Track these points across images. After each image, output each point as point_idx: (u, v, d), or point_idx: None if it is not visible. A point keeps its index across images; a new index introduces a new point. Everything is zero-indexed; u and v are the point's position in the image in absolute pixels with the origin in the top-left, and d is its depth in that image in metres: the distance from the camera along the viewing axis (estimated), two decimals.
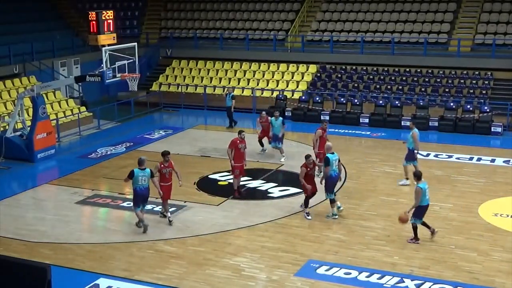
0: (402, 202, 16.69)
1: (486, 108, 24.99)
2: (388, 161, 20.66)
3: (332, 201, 15.70)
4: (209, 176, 19.12)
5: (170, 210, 16.17)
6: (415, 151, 18.01)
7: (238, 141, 17.13)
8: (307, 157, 15.56)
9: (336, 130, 24.81)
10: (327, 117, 26.10)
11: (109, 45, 22.80)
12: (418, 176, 14.16)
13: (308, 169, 15.40)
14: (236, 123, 25.43)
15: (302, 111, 26.88)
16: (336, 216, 15.71)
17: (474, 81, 27.59)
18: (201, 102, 29.54)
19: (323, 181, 15.66)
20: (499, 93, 26.94)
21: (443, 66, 28.44)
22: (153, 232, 14.89)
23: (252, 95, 29.01)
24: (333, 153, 15.68)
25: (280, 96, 28.13)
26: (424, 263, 12.99)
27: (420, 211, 13.99)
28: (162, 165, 15.11)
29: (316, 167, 16.15)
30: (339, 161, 15.78)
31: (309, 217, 15.68)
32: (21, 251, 13.80)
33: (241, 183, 18.25)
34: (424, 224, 14.20)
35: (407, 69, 28.97)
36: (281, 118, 20.52)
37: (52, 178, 19.55)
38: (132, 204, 15.14)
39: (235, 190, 17.34)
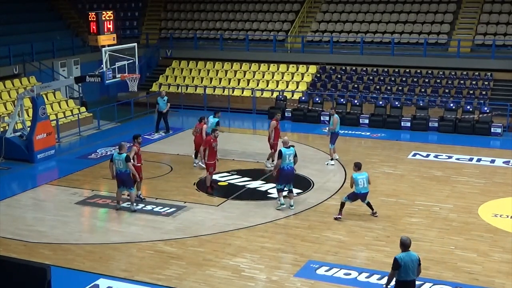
0: (402, 203, 16.72)
1: (486, 109, 24.99)
2: (388, 161, 20.66)
3: (279, 190, 16.28)
4: None
5: (169, 210, 16.24)
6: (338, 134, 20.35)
7: (212, 140, 17.49)
8: None
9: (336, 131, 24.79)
10: (327, 118, 26.11)
11: (109, 45, 22.79)
12: (358, 166, 15.44)
13: None
14: (168, 129, 24.84)
15: (302, 111, 26.88)
16: (284, 206, 16.22)
17: (474, 82, 27.60)
18: (201, 102, 29.53)
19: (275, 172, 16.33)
20: (499, 94, 26.94)
21: (443, 67, 28.45)
22: (153, 232, 14.90)
23: (252, 95, 29.02)
24: (289, 147, 16.15)
25: (280, 96, 28.13)
26: (423, 264, 12.88)
27: (353, 195, 15.44)
28: (138, 148, 16.81)
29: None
30: (295, 155, 16.22)
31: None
32: (21, 252, 13.80)
33: (241, 183, 18.33)
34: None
35: (407, 70, 28.97)
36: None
37: (52, 179, 19.55)
38: None
39: (208, 186, 17.75)
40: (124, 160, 15.80)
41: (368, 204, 15.60)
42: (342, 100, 27.03)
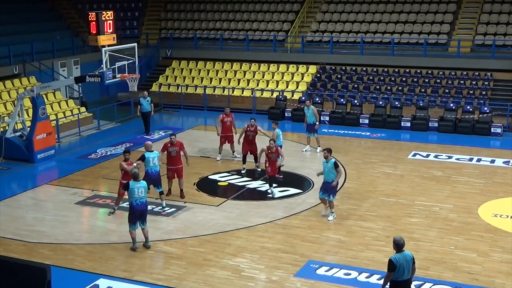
0: (402, 203, 16.72)
1: (486, 109, 24.98)
2: (388, 161, 20.66)
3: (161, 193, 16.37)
4: (209, 177, 19.11)
5: (170, 210, 16.24)
6: (317, 123, 21.56)
7: (169, 145, 17.03)
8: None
9: (336, 131, 24.84)
10: (327, 118, 26.14)
11: (109, 45, 22.82)
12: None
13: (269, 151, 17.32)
14: (148, 131, 24.74)
15: (302, 111, 26.82)
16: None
17: (474, 82, 27.59)
18: (201, 102, 29.54)
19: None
20: (498, 94, 26.93)
21: (443, 67, 28.43)
22: (152, 232, 14.88)
23: (252, 95, 29.02)
24: (152, 151, 16.18)
25: (280, 96, 28.13)
26: (423, 264, 12.99)
27: None
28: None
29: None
30: (158, 159, 16.25)
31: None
32: (20, 252, 13.80)
33: (242, 183, 18.32)
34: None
35: (407, 70, 28.96)
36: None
37: (52, 179, 19.55)
38: None
39: (169, 189, 17.21)
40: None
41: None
42: (342, 100, 27.02)
